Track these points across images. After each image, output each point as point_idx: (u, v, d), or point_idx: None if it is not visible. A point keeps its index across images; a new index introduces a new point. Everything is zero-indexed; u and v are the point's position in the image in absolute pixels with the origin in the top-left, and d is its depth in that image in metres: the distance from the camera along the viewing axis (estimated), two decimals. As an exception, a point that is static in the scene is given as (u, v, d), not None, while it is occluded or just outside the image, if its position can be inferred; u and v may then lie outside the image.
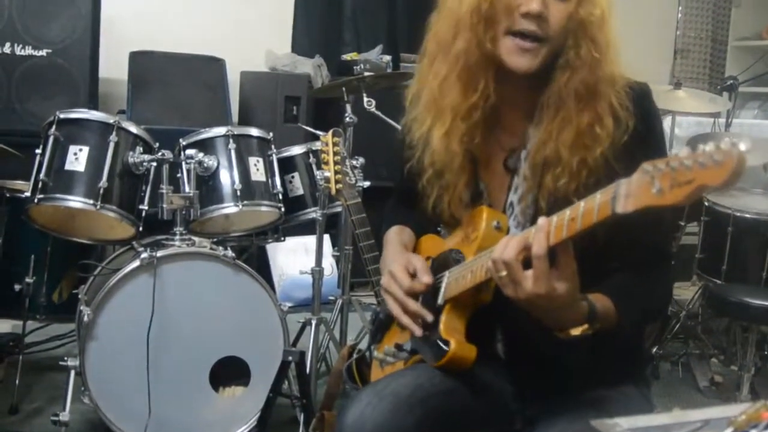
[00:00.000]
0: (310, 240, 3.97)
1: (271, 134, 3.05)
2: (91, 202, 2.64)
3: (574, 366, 1.53)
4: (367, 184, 2.91)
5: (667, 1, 6.32)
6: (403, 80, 3.76)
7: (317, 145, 3.01)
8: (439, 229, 1.73)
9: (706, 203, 3.72)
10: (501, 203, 1.60)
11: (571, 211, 1.24)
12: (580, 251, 1.31)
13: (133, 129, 2.79)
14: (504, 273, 1.33)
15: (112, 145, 2.69)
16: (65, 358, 2.62)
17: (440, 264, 1.62)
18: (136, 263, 2.59)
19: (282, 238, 3.29)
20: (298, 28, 5.32)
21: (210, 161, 2.83)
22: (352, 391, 1.91)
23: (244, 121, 4.73)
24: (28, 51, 3.90)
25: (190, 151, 2.78)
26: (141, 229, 2.77)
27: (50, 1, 3.95)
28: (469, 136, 1.57)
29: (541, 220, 1.29)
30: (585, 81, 1.48)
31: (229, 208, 2.85)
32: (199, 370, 2.69)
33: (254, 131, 3.02)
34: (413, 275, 1.62)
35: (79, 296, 2.76)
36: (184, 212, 2.75)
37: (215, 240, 2.96)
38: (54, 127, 2.70)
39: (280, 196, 2.96)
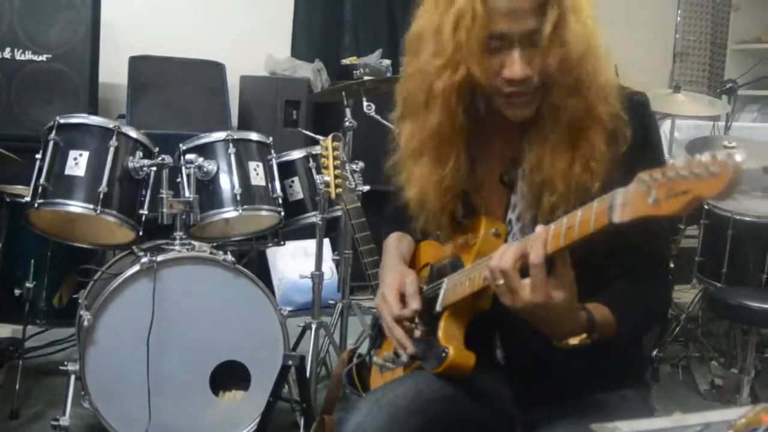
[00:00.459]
0: (310, 244, 3.98)
1: (270, 139, 3.05)
2: (91, 206, 2.64)
3: (573, 371, 1.52)
4: (366, 188, 2.91)
5: (667, 4, 6.33)
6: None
7: (317, 150, 3.02)
8: (437, 234, 1.72)
9: (706, 206, 3.72)
10: (498, 219, 1.59)
11: (568, 219, 1.24)
12: (577, 259, 1.30)
13: (133, 134, 2.79)
14: (501, 282, 1.33)
15: (112, 150, 2.69)
16: (65, 363, 2.63)
17: (439, 271, 1.63)
18: (136, 268, 2.59)
19: (282, 243, 3.29)
20: (297, 33, 5.33)
21: (210, 166, 2.84)
22: (352, 396, 1.91)
23: (243, 125, 4.73)
24: (28, 56, 3.91)
25: (189, 156, 2.78)
26: (141, 233, 2.77)
27: (50, 7, 3.96)
28: (446, 191, 1.56)
29: (539, 229, 1.29)
30: (573, 115, 1.44)
31: (229, 212, 2.85)
32: (200, 375, 2.69)
33: (254, 136, 3.03)
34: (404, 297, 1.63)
35: (79, 301, 2.77)
36: (184, 217, 2.75)
37: (215, 244, 2.96)
38: (54, 132, 2.70)
39: (280, 201, 2.96)
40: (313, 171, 3.09)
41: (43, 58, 3.93)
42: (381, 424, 1.45)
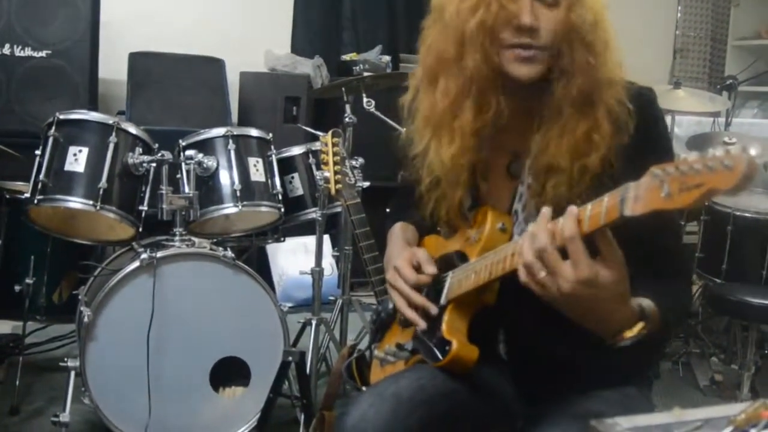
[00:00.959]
0: (310, 240, 3.98)
1: (270, 135, 3.05)
2: (91, 202, 2.64)
3: (575, 367, 1.52)
4: (366, 184, 2.91)
5: (667, 0, 6.32)
6: (403, 80, 3.73)
7: (317, 146, 3.01)
8: (439, 229, 1.72)
9: (706, 202, 3.72)
10: (504, 210, 1.59)
11: (579, 213, 1.23)
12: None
13: (133, 130, 2.79)
14: (542, 273, 1.26)
15: (111, 146, 2.69)
16: (65, 359, 2.62)
17: (444, 264, 1.62)
18: (135, 264, 2.59)
19: (282, 239, 3.29)
20: (297, 29, 5.32)
21: (209, 162, 2.83)
22: (352, 392, 1.91)
23: (243, 121, 4.73)
24: (28, 52, 3.90)
25: (189, 152, 2.78)
26: (141, 229, 2.77)
27: (50, 3, 3.95)
28: (478, 151, 1.56)
29: (544, 210, 1.29)
30: (581, 87, 1.46)
31: (229, 208, 2.85)
32: (200, 371, 2.69)
33: (254, 132, 3.02)
34: (417, 268, 1.62)
35: (79, 297, 2.76)
36: (183, 213, 2.75)
37: (215, 240, 2.96)
38: (53, 128, 2.70)
39: (280, 197, 2.96)
40: (313, 167, 3.09)
41: (42, 54, 3.93)
42: (384, 416, 1.44)
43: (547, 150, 1.48)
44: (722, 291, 3.48)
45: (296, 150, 3.15)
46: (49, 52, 3.94)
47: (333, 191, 2.34)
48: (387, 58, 5.02)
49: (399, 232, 1.82)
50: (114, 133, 2.71)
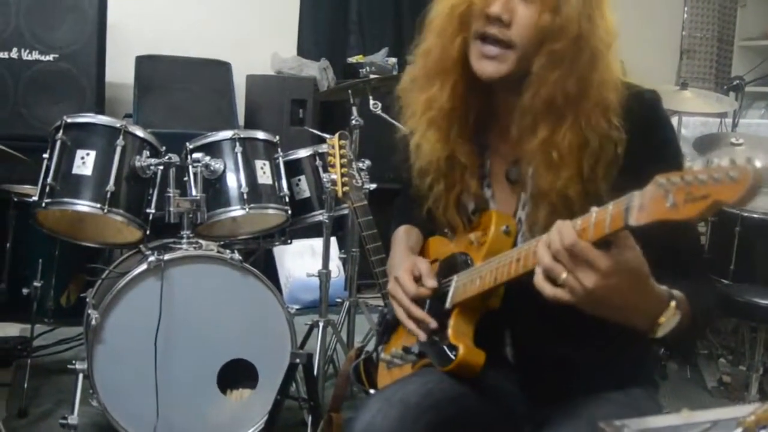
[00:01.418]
0: (317, 242, 3.99)
1: (277, 137, 3.05)
2: (99, 206, 2.64)
3: (581, 369, 1.52)
4: (373, 186, 2.91)
5: (673, 1, 6.31)
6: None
7: (323, 148, 3.02)
8: (446, 230, 1.72)
9: (711, 216, 3.70)
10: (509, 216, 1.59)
11: (582, 221, 1.23)
12: None
13: (140, 133, 2.79)
14: (560, 270, 1.24)
15: (119, 149, 2.70)
16: (73, 362, 2.63)
17: (448, 267, 1.62)
18: (143, 267, 2.60)
19: (289, 241, 3.29)
20: (303, 31, 5.33)
21: (217, 164, 2.84)
22: (359, 393, 1.91)
23: (250, 124, 4.74)
24: (35, 56, 3.91)
25: (196, 155, 2.78)
26: (148, 232, 2.78)
27: (57, 7, 3.96)
28: (440, 138, 1.57)
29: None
30: (547, 100, 1.43)
31: (236, 211, 2.85)
32: (207, 373, 2.69)
33: (260, 134, 3.03)
34: (419, 279, 1.62)
35: (87, 300, 2.76)
36: (191, 215, 2.76)
37: (222, 243, 2.96)
38: (61, 131, 2.71)
39: (287, 199, 2.96)
40: (320, 169, 3.09)
41: (49, 58, 3.94)
42: (391, 422, 1.44)
43: (537, 164, 1.47)
44: (730, 292, 3.46)
45: (303, 152, 3.15)
46: (57, 55, 3.94)
47: (340, 193, 2.34)
48: (393, 60, 5.02)
49: (402, 237, 1.82)
50: (121, 137, 2.71)
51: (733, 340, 3.95)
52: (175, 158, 2.76)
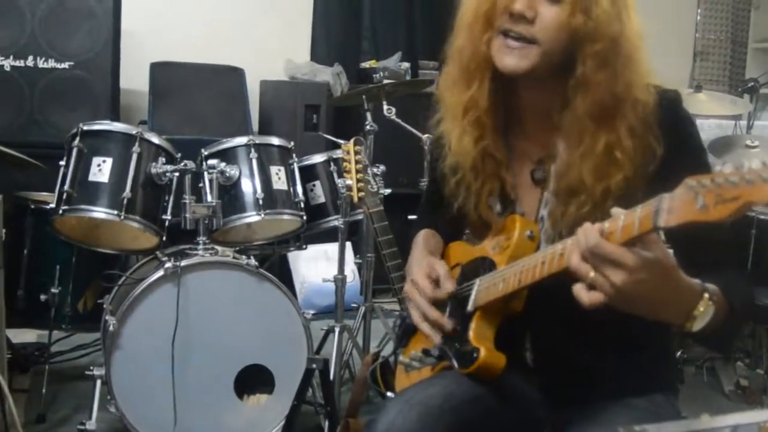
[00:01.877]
0: (332, 247, 3.99)
1: (291, 143, 3.06)
2: (115, 212, 2.66)
3: (601, 374, 1.52)
4: (388, 191, 2.90)
5: (686, 3, 6.29)
6: (423, 87, 3.76)
7: (338, 153, 3.02)
8: (464, 237, 1.73)
9: (741, 216, 3.67)
10: (533, 215, 1.59)
11: (611, 224, 1.22)
12: None
13: (156, 140, 2.81)
14: (587, 269, 1.23)
15: (135, 156, 2.72)
16: (91, 368, 2.65)
17: (471, 271, 1.62)
18: (159, 273, 2.61)
19: (304, 246, 3.29)
20: (316, 37, 5.34)
21: (232, 171, 2.85)
22: (376, 397, 1.91)
23: (264, 130, 4.75)
24: (51, 64, 3.94)
25: (212, 161, 2.79)
26: (164, 238, 2.79)
27: (72, 15, 3.99)
28: (479, 135, 1.57)
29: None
30: (600, 102, 1.44)
31: (252, 217, 2.86)
32: (224, 379, 2.70)
33: (275, 140, 3.04)
34: (436, 281, 1.62)
35: (104, 306, 2.78)
36: (206, 222, 2.77)
37: (238, 249, 2.97)
38: (77, 138, 2.73)
39: (302, 205, 2.97)
40: (335, 175, 3.09)
41: (65, 65, 3.97)
42: (412, 423, 1.44)
43: (571, 168, 1.48)
44: (746, 295, 3.44)
45: (318, 158, 3.16)
46: (72, 63, 3.97)
47: (356, 199, 2.34)
48: (406, 65, 5.03)
49: (422, 241, 1.82)
50: (137, 143, 2.73)
51: (750, 343, 3.93)
52: (190, 165, 2.78)
